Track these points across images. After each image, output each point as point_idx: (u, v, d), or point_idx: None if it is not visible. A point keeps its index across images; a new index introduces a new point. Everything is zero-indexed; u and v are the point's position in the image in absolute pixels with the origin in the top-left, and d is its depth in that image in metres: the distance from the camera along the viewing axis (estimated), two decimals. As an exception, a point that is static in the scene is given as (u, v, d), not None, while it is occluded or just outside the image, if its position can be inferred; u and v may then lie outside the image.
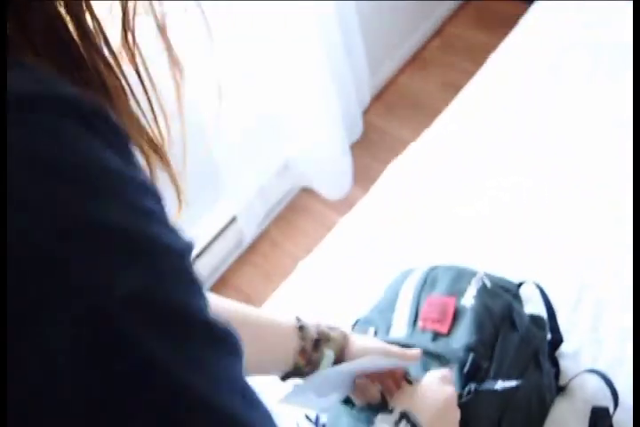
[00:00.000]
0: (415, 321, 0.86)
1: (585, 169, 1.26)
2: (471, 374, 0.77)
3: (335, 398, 0.78)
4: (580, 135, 1.33)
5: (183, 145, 0.50)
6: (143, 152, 0.43)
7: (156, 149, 0.44)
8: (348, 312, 1.11)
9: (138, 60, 0.42)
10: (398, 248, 1.23)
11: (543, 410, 0.90)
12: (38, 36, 0.36)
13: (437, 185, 1.32)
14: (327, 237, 1.35)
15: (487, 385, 0.75)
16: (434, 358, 0.80)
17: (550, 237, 1.16)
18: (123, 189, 0.32)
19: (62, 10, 0.37)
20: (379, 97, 2.29)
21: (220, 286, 1.97)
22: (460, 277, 0.90)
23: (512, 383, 0.74)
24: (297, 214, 2.08)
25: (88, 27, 0.38)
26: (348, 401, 0.81)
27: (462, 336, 0.82)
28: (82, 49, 0.38)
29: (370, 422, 0.77)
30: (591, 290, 1.07)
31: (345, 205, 1.82)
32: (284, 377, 0.77)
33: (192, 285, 0.34)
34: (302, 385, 0.74)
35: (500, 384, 0.74)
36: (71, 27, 0.37)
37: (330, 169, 2.01)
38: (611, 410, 0.88)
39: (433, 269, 0.93)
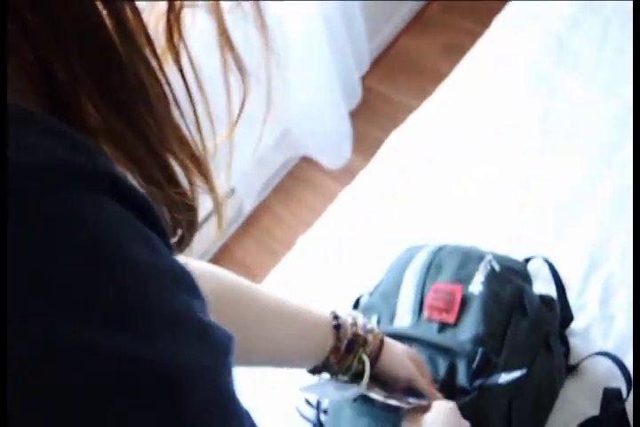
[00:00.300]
0: (420, 310, 0.83)
1: (595, 140, 1.21)
2: (480, 370, 0.74)
3: (354, 391, 0.75)
4: (592, 98, 1.27)
5: (228, 163, 0.43)
6: (185, 169, 0.37)
7: (200, 166, 0.38)
8: (350, 288, 1.08)
9: (185, 61, 0.37)
10: (401, 222, 1.20)
11: (553, 392, 0.88)
12: (71, 36, 0.31)
13: (441, 156, 1.27)
14: (328, 210, 1.31)
15: (492, 380, 0.72)
16: (440, 352, 0.77)
17: (559, 211, 1.12)
18: (143, 302, 0.27)
19: (99, 5, 0.31)
20: (378, 61, 2.22)
21: (222, 258, 1.95)
22: (467, 262, 0.86)
23: (516, 374, 0.71)
24: (297, 185, 2.04)
25: (129, 23, 0.32)
26: None
27: (470, 327, 0.79)
28: (121, 50, 0.32)
29: (372, 415, 0.74)
30: (601, 265, 1.03)
31: (346, 174, 1.78)
32: (313, 371, 0.74)
33: (224, 412, 0.29)
34: (325, 382, 0.73)
35: (504, 377, 0.71)
36: (109, 24, 0.32)
37: (329, 137, 1.95)
38: (624, 392, 0.85)
39: (439, 250, 0.89)
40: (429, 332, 0.80)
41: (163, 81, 0.35)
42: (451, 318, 0.80)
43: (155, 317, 0.27)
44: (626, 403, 0.84)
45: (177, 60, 0.36)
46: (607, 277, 1.01)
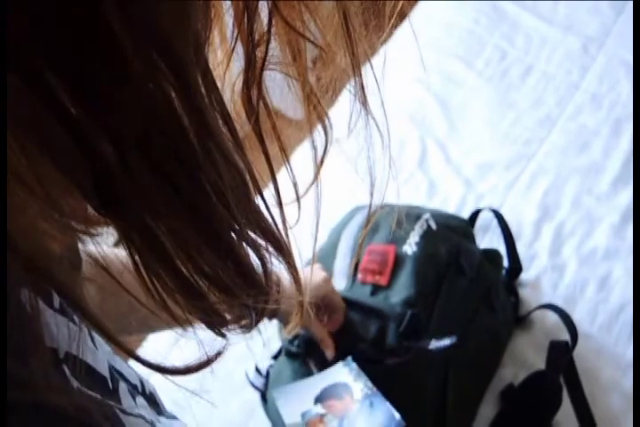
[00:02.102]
0: (355, 272, 0.81)
1: (550, 80, 1.17)
2: (408, 333, 0.73)
3: None
4: (550, 36, 1.22)
5: (314, 242, 0.36)
6: (258, 253, 0.31)
7: (281, 247, 0.32)
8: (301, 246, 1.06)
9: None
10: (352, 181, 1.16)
11: (499, 347, 0.87)
12: (129, 127, 0.23)
13: (391, 100, 1.22)
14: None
15: (421, 345, 0.71)
16: (371, 315, 0.76)
17: (511, 159, 1.09)
18: None
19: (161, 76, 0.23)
20: None
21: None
22: (403, 222, 0.83)
23: (446, 342, 0.70)
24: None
25: (202, 101, 0.25)
26: (291, 354, 0.78)
27: (402, 289, 0.77)
28: (192, 135, 0.25)
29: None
30: (552, 214, 1.01)
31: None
32: None
33: None
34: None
35: (434, 344, 0.70)
36: (176, 102, 0.24)
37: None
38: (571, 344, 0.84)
39: (377, 210, 0.86)
40: (362, 295, 0.78)
41: (242, 166, 0.28)
42: (383, 280, 0.78)
43: None
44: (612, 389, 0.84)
45: (256, 125, 0.30)
46: (558, 227, 0.99)
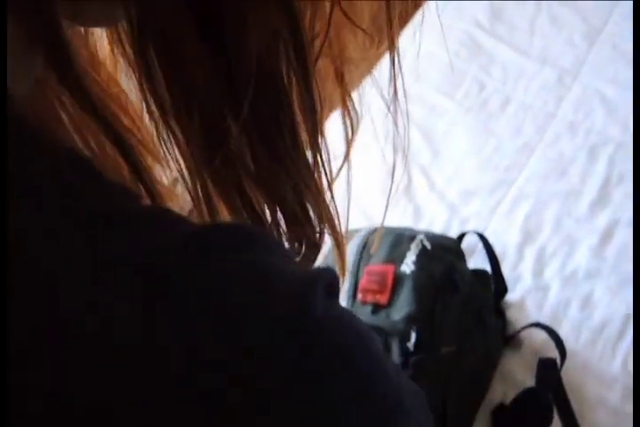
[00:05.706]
0: (355, 293, 0.83)
1: (528, 109, 1.22)
2: (416, 349, 0.75)
3: None
4: (526, 68, 1.28)
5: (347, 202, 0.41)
6: (318, 207, 0.36)
7: (326, 204, 0.36)
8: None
9: None
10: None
11: (490, 367, 0.89)
12: (248, 80, 0.28)
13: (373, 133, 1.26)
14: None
15: (427, 356, 0.74)
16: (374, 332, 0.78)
17: (493, 184, 1.13)
18: None
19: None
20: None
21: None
22: (399, 242, 0.86)
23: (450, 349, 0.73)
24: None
25: (309, 67, 0.29)
26: None
27: (402, 306, 0.79)
28: (293, 94, 0.30)
29: None
30: (534, 237, 1.05)
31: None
32: None
33: None
34: None
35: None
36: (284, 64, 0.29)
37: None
38: (559, 362, 0.87)
39: (372, 233, 0.89)
40: (363, 314, 0.80)
41: (322, 148, 0.34)
42: (383, 299, 0.80)
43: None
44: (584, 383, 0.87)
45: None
46: (540, 249, 1.03)
